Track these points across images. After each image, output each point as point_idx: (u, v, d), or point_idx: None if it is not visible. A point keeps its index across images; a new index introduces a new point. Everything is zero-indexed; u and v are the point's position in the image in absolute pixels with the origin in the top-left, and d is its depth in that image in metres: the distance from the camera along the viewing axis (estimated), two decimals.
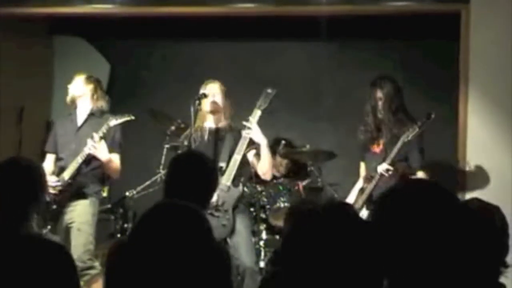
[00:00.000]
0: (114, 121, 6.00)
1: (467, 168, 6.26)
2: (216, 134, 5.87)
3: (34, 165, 3.38)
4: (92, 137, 5.92)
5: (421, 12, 6.61)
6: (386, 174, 5.56)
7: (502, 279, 2.62)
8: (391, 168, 5.56)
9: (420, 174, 5.70)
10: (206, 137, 5.86)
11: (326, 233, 1.99)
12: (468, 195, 6.08)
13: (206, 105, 5.83)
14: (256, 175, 6.46)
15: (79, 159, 5.94)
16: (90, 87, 6.21)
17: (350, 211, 2.11)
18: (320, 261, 1.97)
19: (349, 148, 6.45)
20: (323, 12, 6.59)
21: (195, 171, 3.61)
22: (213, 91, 5.84)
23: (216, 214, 5.54)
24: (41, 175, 3.34)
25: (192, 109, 5.79)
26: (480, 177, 6.20)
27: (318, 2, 6.27)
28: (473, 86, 6.23)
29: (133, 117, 6.04)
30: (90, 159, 5.99)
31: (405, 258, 2.00)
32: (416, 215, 2.00)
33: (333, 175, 7.13)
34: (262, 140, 5.71)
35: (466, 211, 2.22)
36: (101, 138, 5.93)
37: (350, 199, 5.91)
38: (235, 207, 5.64)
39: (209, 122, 5.92)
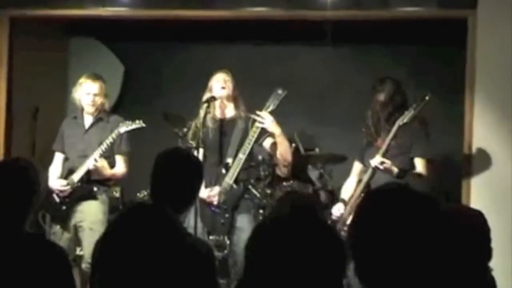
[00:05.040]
0: (124, 128, 6.21)
1: (473, 170, 6.35)
2: (223, 125, 6.05)
3: (29, 164, 3.43)
4: (97, 147, 6.18)
5: (429, 18, 6.76)
6: (381, 167, 5.58)
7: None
8: (383, 160, 5.58)
9: (418, 162, 5.77)
10: (213, 130, 6.04)
11: (288, 239, 2.06)
12: (473, 199, 6.26)
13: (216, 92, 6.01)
14: (267, 177, 6.73)
15: (89, 164, 6.17)
16: (102, 86, 6.45)
17: (315, 216, 2.19)
18: (282, 268, 2.04)
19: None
20: (330, 16, 6.71)
21: (178, 170, 3.53)
22: (221, 79, 6.02)
23: (217, 211, 5.79)
24: (36, 175, 3.38)
25: (201, 112, 6.06)
26: (485, 182, 6.32)
27: (326, 6, 6.43)
28: (479, 91, 6.33)
29: (143, 125, 6.24)
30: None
31: (383, 266, 2.05)
32: (393, 222, 2.06)
33: (344, 178, 7.29)
34: (277, 130, 5.89)
35: (446, 217, 2.20)
36: (101, 155, 6.16)
37: (345, 194, 6.06)
38: (236, 206, 5.87)
39: (217, 112, 6.09)
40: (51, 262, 3.16)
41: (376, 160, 5.64)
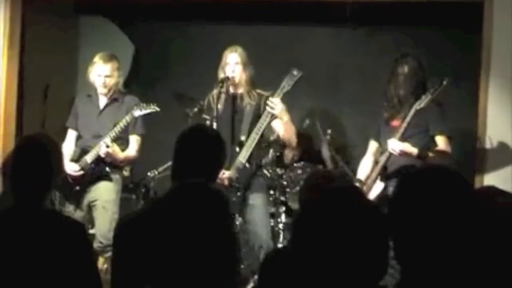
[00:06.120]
0: (138, 112, 6.24)
1: (486, 153, 6.35)
2: (236, 102, 6.11)
3: (51, 141, 3.50)
4: (110, 131, 6.21)
5: (446, 1, 6.77)
6: (395, 153, 5.64)
7: None
8: (400, 144, 5.62)
9: (439, 139, 5.81)
10: (225, 106, 6.09)
11: (335, 215, 2.09)
12: (486, 181, 6.24)
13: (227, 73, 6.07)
14: (278, 158, 6.76)
15: (102, 146, 6.18)
16: (114, 66, 6.48)
17: (360, 194, 2.24)
18: (328, 242, 2.06)
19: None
20: None
21: (201, 146, 3.53)
22: (232, 61, 6.07)
23: (230, 189, 5.81)
24: (58, 152, 3.49)
25: (215, 91, 6.08)
26: (499, 165, 6.31)
27: None
28: (494, 75, 6.30)
29: (158, 109, 6.28)
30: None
31: (419, 245, 2.08)
32: (430, 202, 2.09)
33: (355, 159, 7.29)
34: (284, 117, 5.96)
35: (479, 199, 2.26)
36: (113, 140, 6.20)
37: (361, 174, 6.09)
38: (248, 185, 5.90)
39: (230, 89, 6.13)
40: (71, 237, 3.21)
41: (392, 145, 5.67)
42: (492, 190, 2.93)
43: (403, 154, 5.64)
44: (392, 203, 2.19)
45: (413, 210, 2.11)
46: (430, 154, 5.75)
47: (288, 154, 7.41)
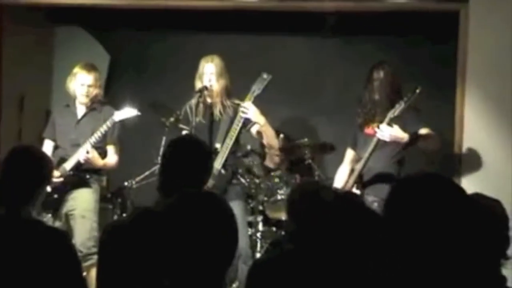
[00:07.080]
0: (119, 116, 6.24)
1: (463, 161, 6.42)
2: (213, 111, 6.08)
3: (44, 155, 3.57)
4: (91, 135, 6.18)
5: (422, 10, 6.81)
6: (385, 139, 5.59)
7: (503, 271, 2.75)
8: (389, 129, 5.57)
9: (423, 131, 5.79)
10: (203, 116, 6.08)
11: (340, 218, 2.21)
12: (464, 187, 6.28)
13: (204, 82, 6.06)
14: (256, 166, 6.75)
15: (80, 156, 6.15)
16: (96, 76, 6.46)
17: (360, 201, 2.29)
18: (331, 244, 2.17)
19: None
20: (326, 8, 6.80)
21: (191, 156, 3.55)
22: (209, 71, 6.08)
23: None
24: (50, 166, 3.52)
25: (193, 100, 6.08)
26: (476, 172, 6.39)
27: None
28: (471, 84, 6.38)
29: (139, 113, 6.28)
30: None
31: (410, 249, 2.13)
32: (423, 207, 2.15)
33: (331, 168, 7.29)
34: (261, 120, 5.96)
35: (470, 204, 2.33)
36: (93, 146, 6.17)
37: (338, 183, 6.09)
38: (224, 191, 5.87)
39: (207, 99, 6.12)
40: (56, 247, 3.19)
41: (382, 130, 5.63)
42: (479, 196, 2.99)
43: (393, 139, 5.63)
44: (389, 208, 2.26)
45: (410, 214, 2.17)
46: (422, 132, 5.76)
47: (273, 157, 7.38)
